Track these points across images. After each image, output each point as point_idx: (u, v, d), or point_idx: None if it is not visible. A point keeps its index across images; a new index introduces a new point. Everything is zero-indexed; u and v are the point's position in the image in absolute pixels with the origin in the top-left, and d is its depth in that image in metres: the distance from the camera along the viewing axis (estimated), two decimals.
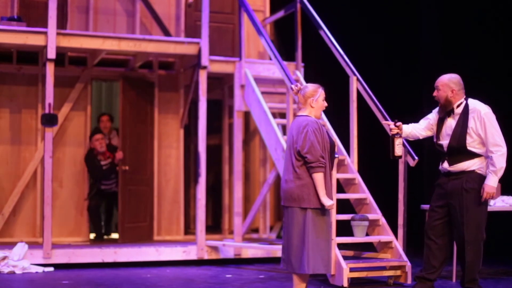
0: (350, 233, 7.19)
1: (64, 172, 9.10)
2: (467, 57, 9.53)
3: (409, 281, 6.86)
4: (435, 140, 6.07)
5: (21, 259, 7.73)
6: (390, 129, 6.15)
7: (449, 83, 5.90)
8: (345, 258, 6.89)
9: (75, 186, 9.11)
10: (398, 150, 6.10)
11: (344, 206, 7.79)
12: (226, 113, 10.21)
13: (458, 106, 5.89)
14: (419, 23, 10.20)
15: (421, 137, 6.26)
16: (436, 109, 6.14)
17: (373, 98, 7.59)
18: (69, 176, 9.11)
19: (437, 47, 9.79)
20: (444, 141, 5.92)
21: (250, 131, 10.36)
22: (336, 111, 8.91)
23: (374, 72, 9.60)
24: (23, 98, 9.00)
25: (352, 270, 6.79)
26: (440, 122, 6.01)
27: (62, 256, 7.99)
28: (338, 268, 6.75)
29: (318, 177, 5.28)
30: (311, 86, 5.56)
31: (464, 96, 5.94)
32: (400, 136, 6.13)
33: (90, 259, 8.10)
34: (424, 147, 9.50)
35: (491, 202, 7.38)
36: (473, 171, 5.78)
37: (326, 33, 8.30)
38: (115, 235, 10.05)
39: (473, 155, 5.80)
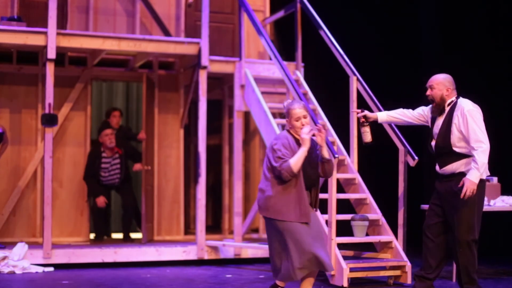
0: (350, 233, 7.19)
1: (64, 172, 9.10)
2: (467, 57, 9.53)
3: (409, 281, 6.86)
4: (428, 141, 6.08)
5: (21, 259, 7.73)
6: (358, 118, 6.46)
7: (444, 81, 5.92)
8: (345, 258, 6.89)
9: (75, 186, 9.11)
10: (365, 137, 6.40)
11: (344, 206, 7.79)
12: (226, 113, 10.21)
13: (448, 105, 5.91)
14: (419, 23, 10.21)
15: (402, 123, 6.37)
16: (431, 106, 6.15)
17: (373, 98, 7.59)
18: (69, 176, 9.11)
19: (437, 47, 9.79)
20: (433, 142, 5.93)
21: (250, 131, 10.36)
22: (336, 111, 8.93)
23: (374, 72, 9.60)
24: (23, 98, 8.99)
25: (352, 270, 6.79)
26: (432, 123, 6.02)
27: (62, 256, 7.99)
28: (338, 268, 6.75)
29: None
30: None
31: (456, 95, 5.94)
32: (367, 125, 6.38)
33: (90, 259, 8.10)
34: (424, 147, 9.50)
35: (491, 202, 7.39)
36: (462, 173, 5.77)
37: (326, 33, 8.30)
38: (115, 235, 10.06)
39: (459, 156, 5.77)
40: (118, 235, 9.90)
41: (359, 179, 7.67)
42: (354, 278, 6.95)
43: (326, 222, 6.98)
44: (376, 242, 7.30)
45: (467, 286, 5.80)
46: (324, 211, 7.12)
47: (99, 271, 7.85)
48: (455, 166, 5.80)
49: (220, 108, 10.33)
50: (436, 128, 5.93)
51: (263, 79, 8.95)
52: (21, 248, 7.80)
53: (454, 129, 5.78)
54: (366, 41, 10.53)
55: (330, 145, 6.96)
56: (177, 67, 9.61)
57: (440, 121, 5.92)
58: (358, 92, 7.80)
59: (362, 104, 7.77)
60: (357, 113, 6.43)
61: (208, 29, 8.66)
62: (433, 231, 5.97)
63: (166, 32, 9.44)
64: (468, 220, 5.74)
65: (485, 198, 7.33)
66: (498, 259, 8.85)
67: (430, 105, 6.13)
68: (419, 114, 6.24)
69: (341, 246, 7.10)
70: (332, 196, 6.84)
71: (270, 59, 8.80)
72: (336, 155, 6.82)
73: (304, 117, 5.32)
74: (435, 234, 5.97)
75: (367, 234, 7.31)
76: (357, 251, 7.50)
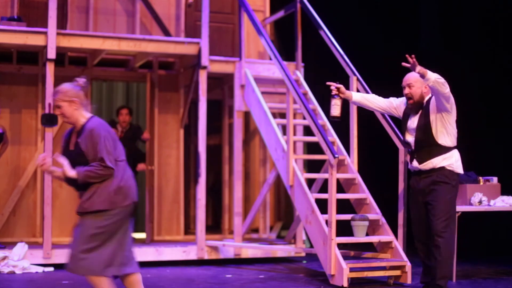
0: (350, 233, 7.19)
1: None
2: (467, 57, 9.53)
3: (409, 281, 6.86)
4: (402, 137, 6.09)
5: (21, 259, 7.73)
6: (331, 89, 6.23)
7: (421, 79, 5.94)
8: (345, 258, 6.89)
9: None
10: (334, 110, 6.19)
11: (344, 206, 7.79)
12: (226, 113, 10.21)
13: (427, 101, 5.94)
14: (419, 23, 10.21)
15: (373, 108, 6.33)
16: (402, 100, 6.17)
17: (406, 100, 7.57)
18: None
19: (437, 47, 9.79)
20: (411, 137, 5.94)
21: (250, 131, 10.36)
22: None
23: (374, 72, 9.60)
24: (23, 98, 8.99)
25: (352, 270, 6.79)
26: (406, 119, 6.03)
27: (62, 256, 7.98)
28: (338, 268, 6.75)
29: None
30: None
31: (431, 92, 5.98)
32: (339, 98, 6.18)
33: None
34: None
35: (491, 202, 7.38)
36: (443, 168, 5.79)
37: (326, 33, 8.30)
38: None
39: (442, 149, 5.79)
40: None
41: (359, 179, 7.67)
42: (354, 278, 6.94)
43: (326, 222, 6.98)
44: (376, 242, 7.29)
45: (441, 281, 5.77)
46: (324, 211, 7.13)
47: None
48: (436, 161, 5.81)
49: (220, 108, 10.32)
50: (413, 123, 5.93)
51: (263, 79, 8.95)
52: (21, 248, 7.80)
53: (433, 120, 5.79)
54: (366, 41, 10.52)
55: (330, 145, 6.96)
56: (177, 67, 9.61)
57: (417, 115, 5.93)
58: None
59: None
60: (332, 85, 6.25)
61: (208, 29, 8.66)
62: (422, 237, 5.98)
63: (166, 32, 9.44)
64: (447, 212, 5.75)
65: (485, 198, 7.38)
66: (498, 259, 8.85)
67: (402, 98, 6.15)
68: (391, 104, 6.26)
69: (341, 246, 7.10)
70: (332, 196, 6.84)
71: (270, 59, 8.79)
72: (336, 155, 6.82)
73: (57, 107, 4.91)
74: (425, 238, 5.97)
75: (367, 234, 7.31)
76: (357, 251, 7.49)
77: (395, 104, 6.20)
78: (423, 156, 5.84)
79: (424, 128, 5.81)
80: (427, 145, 5.81)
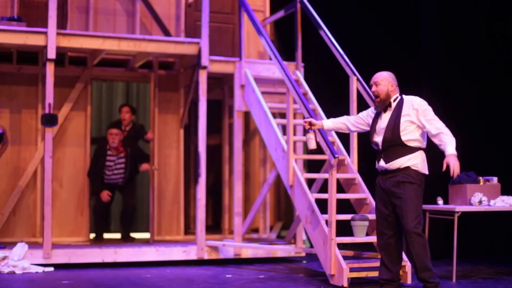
0: (350, 233, 7.19)
1: (64, 172, 9.10)
2: (467, 58, 9.52)
3: (409, 281, 6.86)
4: (370, 138, 6.16)
5: (21, 259, 7.73)
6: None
7: (388, 77, 6.09)
8: (345, 258, 6.89)
9: (75, 186, 9.11)
10: (310, 144, 6.46)
11: (344, 206, 7.80)
12: (226, 113, 10.21)
13: (394, 100, 6.04)
14: (419, 23, 10.20)
15: (348, 130, 6.51)
16: (371, 109, 6.32)
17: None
18: (69, 176, 9.11)
19: (437, 47, 9.79)
20: (379, 138, 6.01)
21: (250, 131, 10.36)
22: (336, 111, 8.91)
23: (374, 72, 9.59)
24: (23, 98, 8.99)
25: (352, 270, 6.79)
26: (375, 119, 6.11)
27: (62, 256, 7.99)
28: (338, 268, 6.75)
29: None
30: None
31: (399, 92, 6.08)
32: (313, 132, 6.48)
33: (90, 259, 8.10)
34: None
35: (491, 202, 7.38)
36: (408, 168, 5.87)
37: (326, 33, 8.30)
38: (112, 235, 10.05)
39: (408, 150, 5.88)
40: (118, 235, 9.90)
41: (359, 179, 7.67)
42: (354, 278, 6.95)
43: (326, 222, 6.98)
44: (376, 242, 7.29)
45: (424, 274, 5.80)
46: (324, 211, 7.13)
47: (99, 271, 7.85)
48: (402, 161, 5.89)
49: (220, 108, 10.33)
50: (383, 123, 6.02)
51: (263, 79, 8.95)
52: (21, 248, 7.80)
53: (405, 121, 5.90)
54: (366, 41, 10.52)
55: (330, 145, 6.97)
56: (177, 67, 9.61)
57: (387, 115, 6.03)
58: (358, 92, 7.81)
59: (363, 103, 7.76)
60: (304, 121, 6.56)
61: (208, 29, 8.66)
62: (390, 249, 6.03)
63: (166, 32, 9.44)
64: (416, 209, 5.81)
65: (485, 198, 7.38)
66: (498, 259, 8.85)
67: (371, 108, 6.27)
68: (360, 119, 6.41)
69: (341, 246, 7.10)
70: (332, 196, 6.85)
71: (270, 59, 8.80)
72: (336, 155, 6.82)
73: None
74: (392, 248, 6.03)
75: (367, 234, 7.31)
76: (357, 251, 7.49)
77: (362, 116, 6.39)
78: (390, 155, 5.94)
79: (393, 129, 5.92)
80: (394, 145, 5.92)
